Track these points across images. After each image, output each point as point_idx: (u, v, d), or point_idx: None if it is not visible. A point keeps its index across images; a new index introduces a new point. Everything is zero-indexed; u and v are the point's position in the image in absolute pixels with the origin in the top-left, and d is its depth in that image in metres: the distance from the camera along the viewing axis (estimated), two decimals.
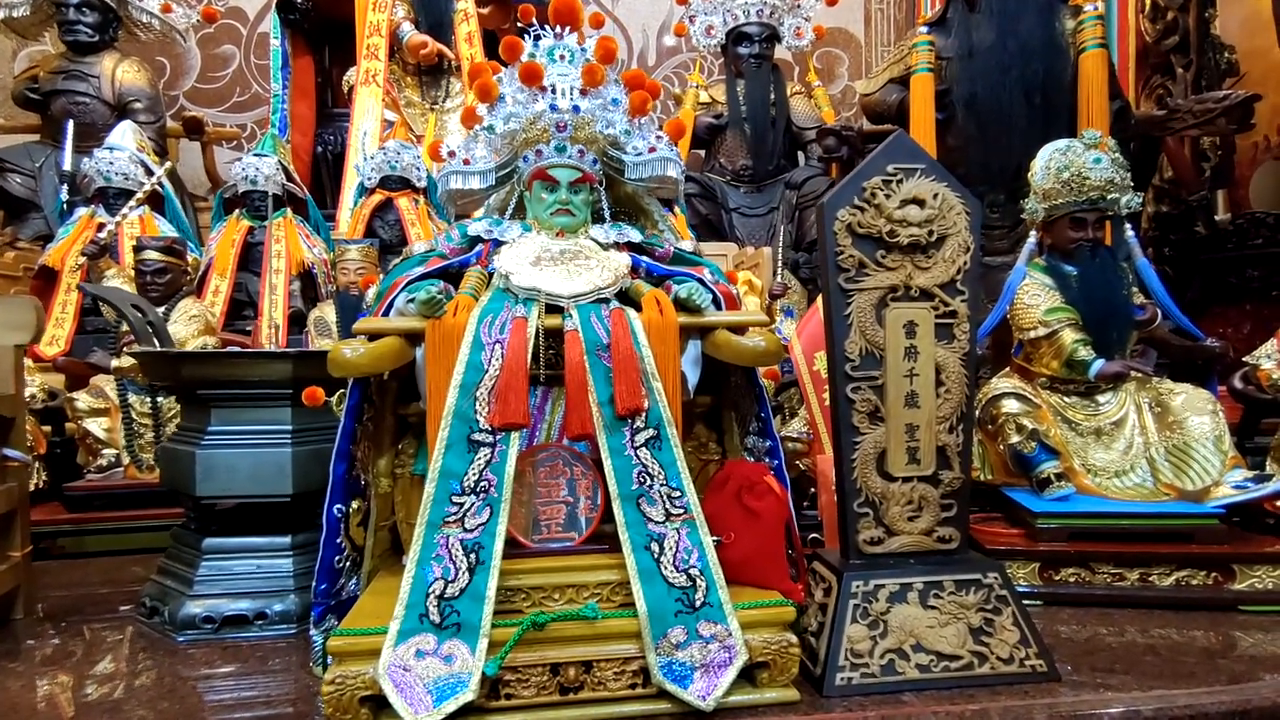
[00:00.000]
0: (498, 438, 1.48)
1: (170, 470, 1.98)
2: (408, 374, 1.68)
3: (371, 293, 1.75)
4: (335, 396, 1.67)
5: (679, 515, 1.49)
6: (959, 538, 1.66)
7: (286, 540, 1.92)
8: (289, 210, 3.68)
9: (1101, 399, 2.21)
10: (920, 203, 1.63)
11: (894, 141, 1.67)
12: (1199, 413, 2.06)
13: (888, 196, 1.63)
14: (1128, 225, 2.29)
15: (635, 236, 1.84)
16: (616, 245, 1.81)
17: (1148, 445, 2.12)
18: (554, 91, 1.80)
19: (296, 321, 3.44)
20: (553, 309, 1.61)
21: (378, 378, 1.66)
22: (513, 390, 1.49)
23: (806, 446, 2.35)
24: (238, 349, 1.83)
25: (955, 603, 1.56)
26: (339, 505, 1.59)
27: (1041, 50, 3.11)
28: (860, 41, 6.40)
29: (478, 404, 1.49)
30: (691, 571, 1.45)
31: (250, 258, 3.72)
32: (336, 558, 1.59)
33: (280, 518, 1.93)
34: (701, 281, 1.71)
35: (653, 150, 1.88)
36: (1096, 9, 3.08)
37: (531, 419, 1.59)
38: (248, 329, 3.48)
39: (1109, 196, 2.20)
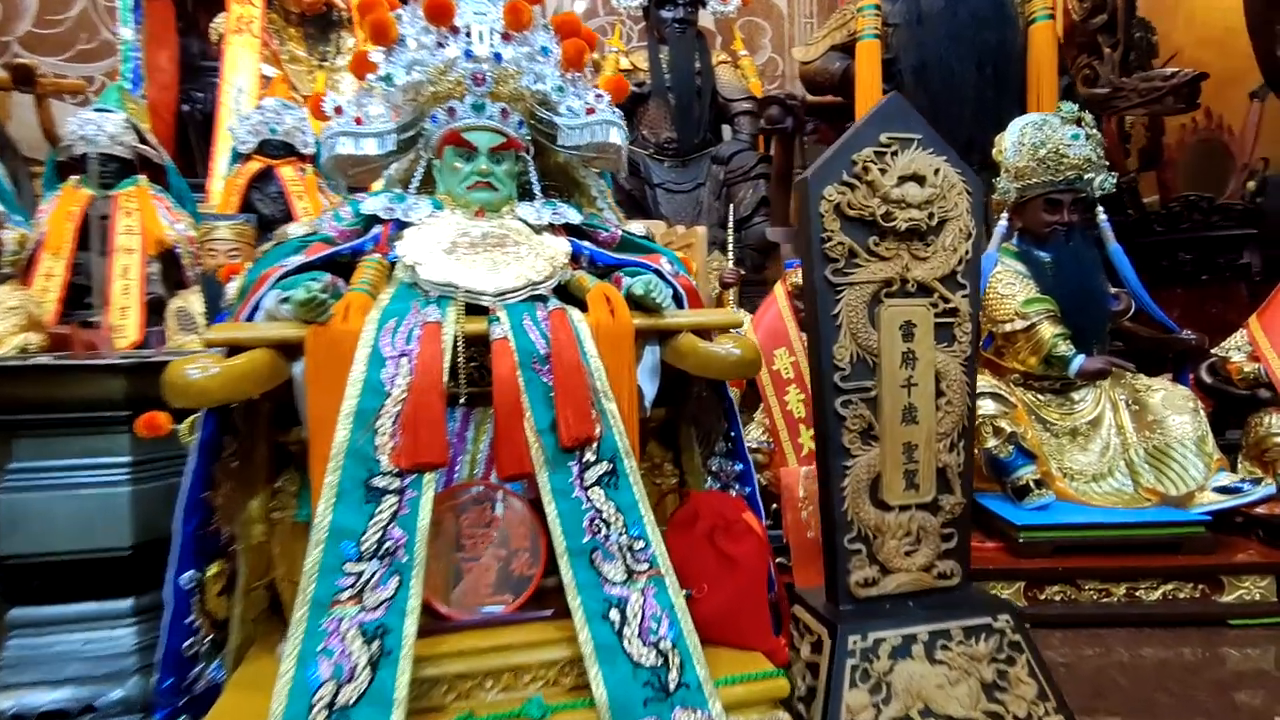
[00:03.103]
0: (407, 482, 1.13)
1: None
2: (286, 393, 1.29)
3: (233, 288, 1.35)
4: (185, 423, 1.27)
5: (644, 571, 1.19)
6: (960, 572, 1.44)
7: (126, 605, 1.50)
8: (143, 178, 3.10)
9: (1076, 396, 2.05)
10: (920, 180, 1.37)
11: (888, 105, 1.40)
12: (1179, 411, 1.93)
13: (883, 171, 1.36)
14: (1100, 208, 2.13)
15: (574, 217, 1.51)
16: (552, 228, 1.48)
17: (1126, 446, 1.98)
18: (469, 35, 1.48)
19: (156, 310, 2.90)
20: (474, 309, 1.27)
21: (244, 401, 1.27)
22: (425, 419, 1.15)
23: (767, 458, 2.09)
24: (49, 360, 1.37)
25: (965, 655, 1.33)
26: (189, 573, 1.20)
27: (994, 18, 2.94)
28: (782, 11, 6.17)
29: (378, 438, 1.14)
30: (662, 645, 1.15)
31: (94, 234, 3.12)
32: (187, 642, 1.20)
33: (117, 577, 1.50)
34: (659, 273, 1.40)
35: (591, 112, 1.56)
36: None
37: (450, 450, 1.24)
38: (92, 319, 2.91)
39: (1085, 176, 2.02)
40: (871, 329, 1.38)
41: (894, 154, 1.37)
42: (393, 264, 1.35)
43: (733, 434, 1.48)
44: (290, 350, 1.19)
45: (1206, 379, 2.14)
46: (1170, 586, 1.82)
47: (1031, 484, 1.94)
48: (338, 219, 1.42)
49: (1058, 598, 1.82)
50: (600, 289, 1.32)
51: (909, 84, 3.02)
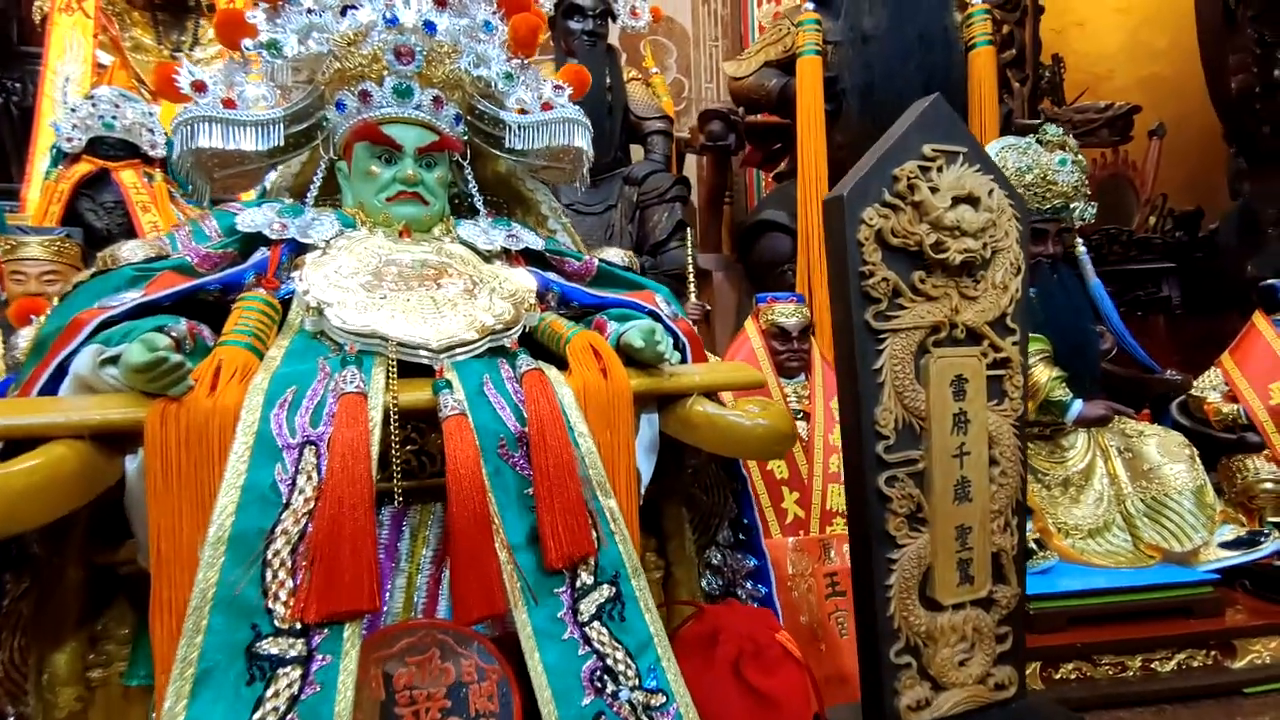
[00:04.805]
0: (316, 643, 0.74)
1: None
2: (113, 492, 0.86)
3: (25, 337, 0.91)
4: None
5: None
6: (1017, 680, 1.18)
7: None
8: None
9: (1066, 443, 1.88)
10: (974, 202, 1.12)
11: (930, 111, 1.14)
12: (1175, 459, 1.79)
13: (933, 191, 1.09)
14: (1079, 239, 1.99)
15: (534, 241, 1.17)
16: (506, 254, 1.12)
17: (1121, 498, 1.82)
18: None
19: None
20: (410, 369, 0.89)
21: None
22: (346, 540, 0.76)
23: None
24: None
25: None
26: None
27: (940, 39, 2.84)
28: (687, 32, 6.03)
29: (270, 575, 0.74)
30: None
31: None
32: None
33: None
34: (656, 316, 1.07)
35: (548, 107, 1.23)
36: (983, 2, 2.87)
37: (379, 578, 0.85)
38: None
39: (1071, 205, 1.87)
40: (918, 386, 1.10)
41: (939, 169, 1.11)
42: (286, 304, 0.95)
43: (745, 520, 1.16)
44: (120, 439, 0.77)
45: (1181, 420, 2.04)
46: (1184, 655, 1.65)
47: (1034, 545, 1.74)
48: (199, 238, 1.00)
49: (1073, 676, 1.61)
50: (584, 339, 0.98)
51: (853, 105, 2.87)
